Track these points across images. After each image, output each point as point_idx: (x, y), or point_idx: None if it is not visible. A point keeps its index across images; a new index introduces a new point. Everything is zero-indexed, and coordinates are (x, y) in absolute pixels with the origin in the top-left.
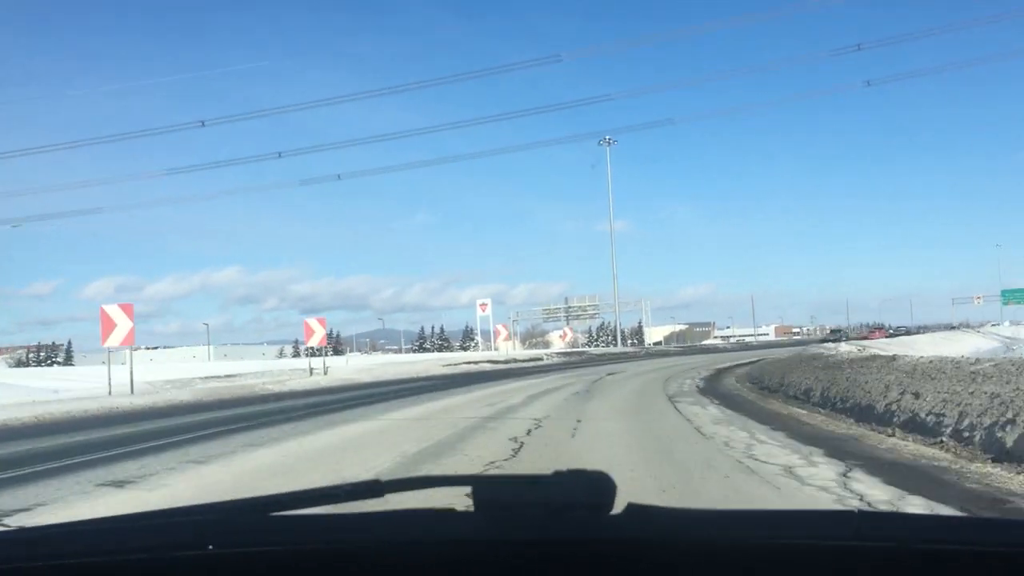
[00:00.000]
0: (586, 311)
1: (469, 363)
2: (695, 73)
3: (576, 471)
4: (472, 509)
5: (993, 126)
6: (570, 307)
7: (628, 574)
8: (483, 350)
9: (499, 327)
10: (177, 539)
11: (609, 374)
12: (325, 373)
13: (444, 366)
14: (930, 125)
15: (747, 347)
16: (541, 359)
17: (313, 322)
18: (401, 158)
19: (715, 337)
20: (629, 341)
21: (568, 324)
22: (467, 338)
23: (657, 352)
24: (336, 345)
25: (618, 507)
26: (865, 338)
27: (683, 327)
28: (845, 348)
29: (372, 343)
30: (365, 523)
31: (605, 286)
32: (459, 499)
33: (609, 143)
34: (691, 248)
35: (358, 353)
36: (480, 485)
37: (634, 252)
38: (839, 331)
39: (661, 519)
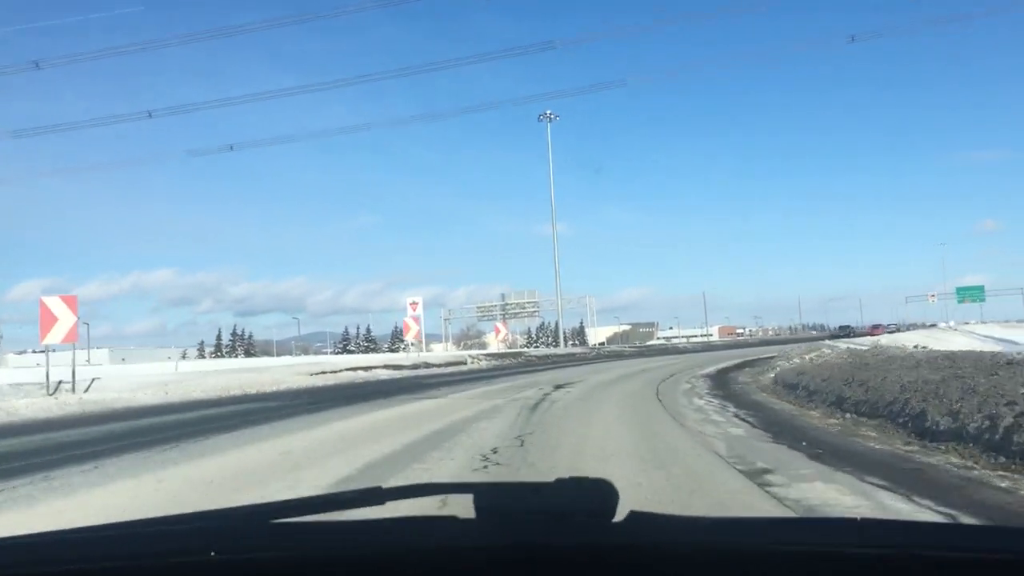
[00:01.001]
0: (524, 309)
1: (356, 369)
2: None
3: (578, 478)
4: (474, 516)
5: (932, 128)
6: (507, 304)
7: None
8: (414, 352)
9: (408, 321)
10: (179, 545)
11: (558, 387)
12: (78, 391)
13: (313, 375)
14: (872, 126)
15: (710, 347)
16: (464, 363)
17: (55, 302)
18: (341, 157)
19: (658, 338)
20: (571, 342)
21: (504, 323)
22: (395, 339)
23: (609, 354)
24: (248, 347)
25: (620, 514)
26: (869, 334)
27: (627, 327)
28: (885, 342)
29: (305, 346)
30: (367, 530)
31: (547, 286)
32: (461, 506)
33: (550, 119)
34: (631, 251)
35: (227, 359)
36: (482, 492)
37: (575, 255)
38: (848, 327)
39: (663, 526)
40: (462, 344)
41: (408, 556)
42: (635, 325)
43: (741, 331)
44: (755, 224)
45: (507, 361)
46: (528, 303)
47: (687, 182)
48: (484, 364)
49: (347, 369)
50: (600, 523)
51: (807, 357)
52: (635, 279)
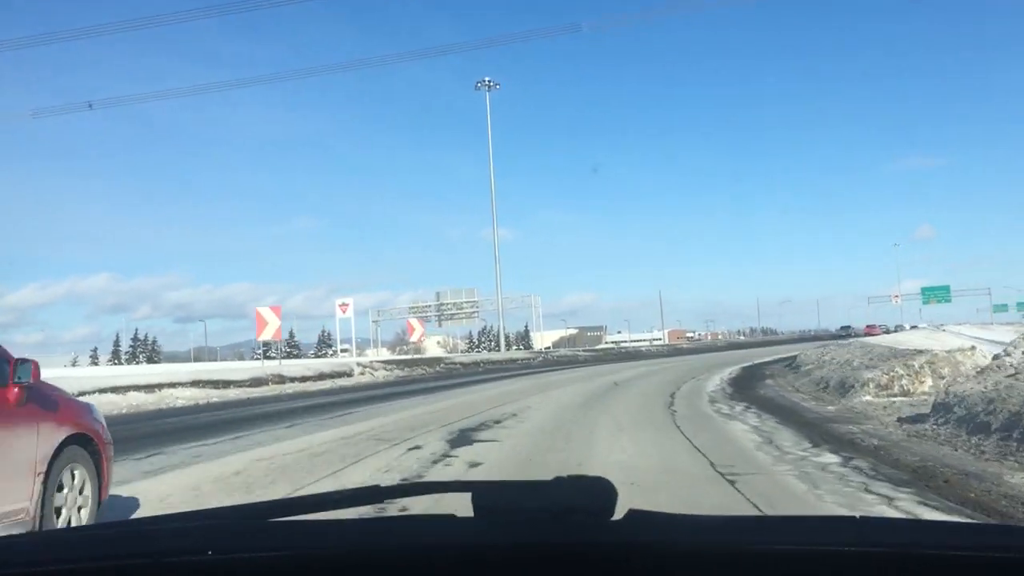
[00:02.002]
0: (462, 310)
1: (122, 390)
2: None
3: (577, 476)
4: (472, 514)
5: (875, 134)
6: (443, 304)
7: None
8: (347, 356)
9: (262, 312)
10: (177, 545)
11: (464, 439)
12: None
13: None
14: (815, 131)
15: (677, 351)
16: (350, 373)
17: (267, 312)
18: (284, 159)
19: (607, 342)
20: (515, 346)
21: (440, 325)
22: (322, 345)
23: (559, 359)
24: (152, 354)
25: (619, 512)
26: (868, 334)
27: (574, 331)
28: (919, 340)
29: (241, 352)
30: (365, 529)
31: (492, 287)
32: (459, 505)
33: (489, 87)
34: (579, 254)
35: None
36: (480, 491)
37: (521, 259)
38: (848, 327)
39: (662, 525)
40: (397, 349)
41: (406, 555)
42: (583, 329)
43: (692, 335)
44: (705, 228)
45: (417, 371)
46: (466, 303)
47: (636, 185)
48: (380, 376)
49: (111, 389)
50: (599, 522)
51: (945, 371)
52: (583, 283)
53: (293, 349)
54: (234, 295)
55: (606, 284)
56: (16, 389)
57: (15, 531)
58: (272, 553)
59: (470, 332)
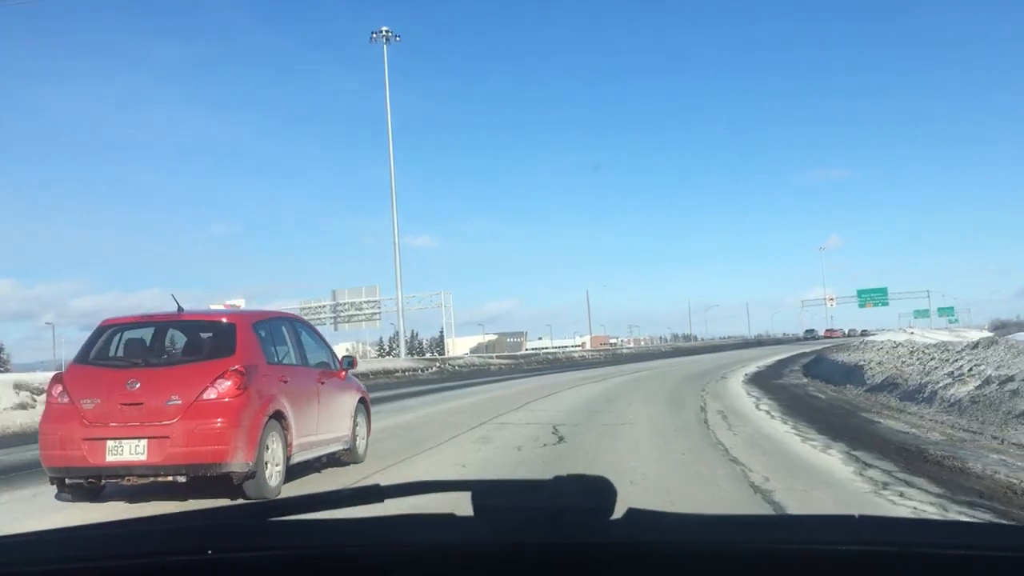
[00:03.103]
0: (362, 311)
1: None
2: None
3: (576, 476)
4: (472, 514)
5: (794, 145)
6: (339, 305)
7: None
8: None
9: None
10: (177, 544)
11: None
12: None
13: None
14: (743, 143)
15: (617, 358)
16: None
17: None
18: (197, 163)
19: (527, 348)
20: (429, 352)
21: (336, 329)
22: None
23: (460, 373)
24: None
25: (618, 512)
26: (828, 337)
27: (492, 337)
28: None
29: None
30: (364, 527)
31: (408, 289)
32: (459, 504)
33: (387, 38)
34: (502, 261)
35: None
36: (480, 490)
37: (443, 267)
38: (812, 331)
39: (662, 524)
40: None
41: (406, 554)
42: (502, 335)
43: (615, 341)
44: (630, 234)
45: None
46: (366, 303)
47: (559, 192)
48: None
49: None
50: (598, 521)
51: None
52: (506, 290)
53: None
54: (143, 302)
55: (530, 291)
56: (343, 372)
57: (340, 449)
58: (272, 552)
59: (380, 338)
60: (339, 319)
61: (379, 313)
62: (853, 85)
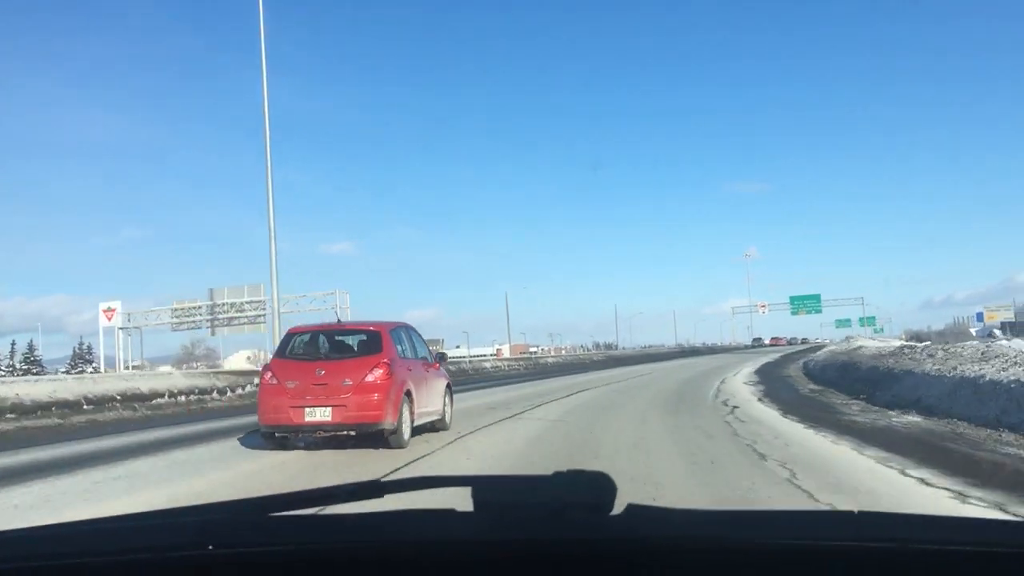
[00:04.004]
0: (244, 312)
1: None
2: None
3: (576, 471)
4: (472, 510)
5: (715, 158)
6: (217, 306)
7: (628, 574)
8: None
9: None
10: (177, 539)
11: None
12: None
13: None
14: (665, 153)
15: (540, 369)
16: None
17: None
18: (109, 165)
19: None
20: None
21: (214, 333)
22: (78, 359)
23: None
24: None
25: (618, 507)
26: (774, 345)
27: None
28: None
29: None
30: (365, 523)
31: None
32: (459, 500)
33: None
34: (423, 269)
35: None
36: (480, 486)
37: (363, 275)
38: (759, 339)
39: (661, 519)
40: (184, 366)
41: (406, 550)
42: None
43: (536, 349)
44: (551, 242)
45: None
46: (249, 304)
47: (483, 201)
48: None
49: None
50: (598, 516)
51: None
52: (428, 299)
53: (32, 366)
54: (48, 308)
55: (453, 299)
56: (437, 364)
57: (436, 419)
58: (273, 548)
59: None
60: (217, 322)
61: (263, 315)
62: (770, 98)
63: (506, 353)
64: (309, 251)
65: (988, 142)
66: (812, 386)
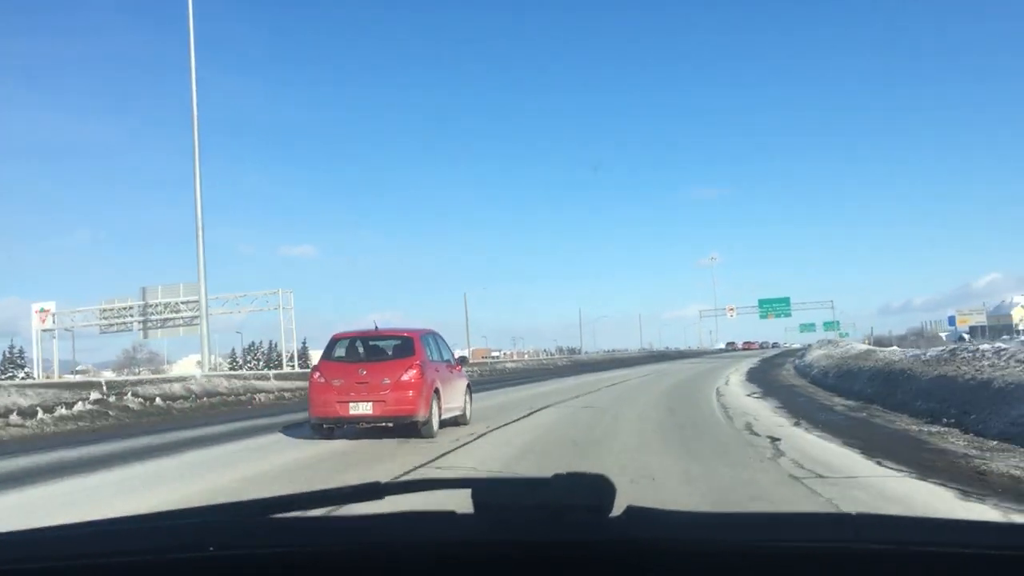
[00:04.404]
0: (179, 313)
1: None
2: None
3: (575, 474)
4: (472, 511)
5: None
6: (150, 306)
7: None
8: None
9: None
10: (178, 541)
11: None
12: None
13: None
14: (627, 160)
15: (497, 377)
16: None
17: None
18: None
19: None
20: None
21: (147, 336)
22: (9, 364)
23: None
24: None
25: (617, 509)
26: (747, 348)
27: None
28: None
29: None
30: (365, 525)
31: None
32: (459, 501)
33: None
34: (387, 273)
35: None
36: (480, 487)
37: (325, 279)
38: (732, 343)
39: (660, 521)
40: (124, 371)
41: (406, 552)
42: None
43: (497, 353)
44: (515, 246)
45: None
46: (186, 304)
47: (446, 204)
48: None
49: None
50: (598, 518)
51: None
52: (390, 302)
53: None
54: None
55: (416, 303)
56: (459, 367)
57: (458, 414)
58: (273, 549)
59: (233, 349)
60: (150, 324)
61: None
62: (735, 102)
63: (469, 357)
64: (270, 253)
65: (945, 150)
66: (842, 401)
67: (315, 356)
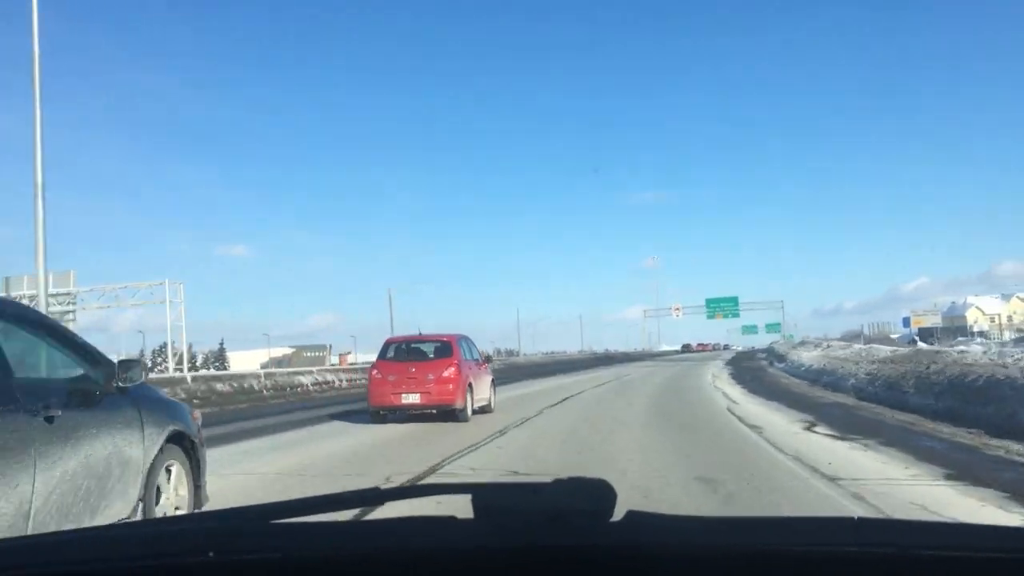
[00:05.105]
0: (49, 308)
1: None
2: None
3: (576, 479)
4: (472, 516)
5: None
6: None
7: None
8: None
9: None
10: (178, 546)
11: None
12: None
13: None
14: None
15: None
16: None
17: None
18: None
19: (331, 363)
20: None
21: None
22: None
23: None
24: None
25: (618, 514)
26: (701, 350)
27: (289, 350)
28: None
29: None
30: (366, 531)
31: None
32: (459, 507)
33: None
34: (320, 275)
35: None
36: (480, 492)
37: (258, 281)
38: (688, 345)
39: (661, 526)
40: None
41: (406, 557)
42: (300, 348)
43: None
44: (450, 248)
45: None
46: (55, 297)
47: (383, 207)
48: None
49: None
50: (598, 523)
51: None
52: (324, 304)
53: None
54: None
55: (351, 306)
56: (485, 365)
57: (484, 405)
58: (273, 555)
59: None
60: None
61: (72, 311)
62: (672, 106)
63: None
64: (205, 253)
65: (875, 159)
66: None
67: (235, 358)
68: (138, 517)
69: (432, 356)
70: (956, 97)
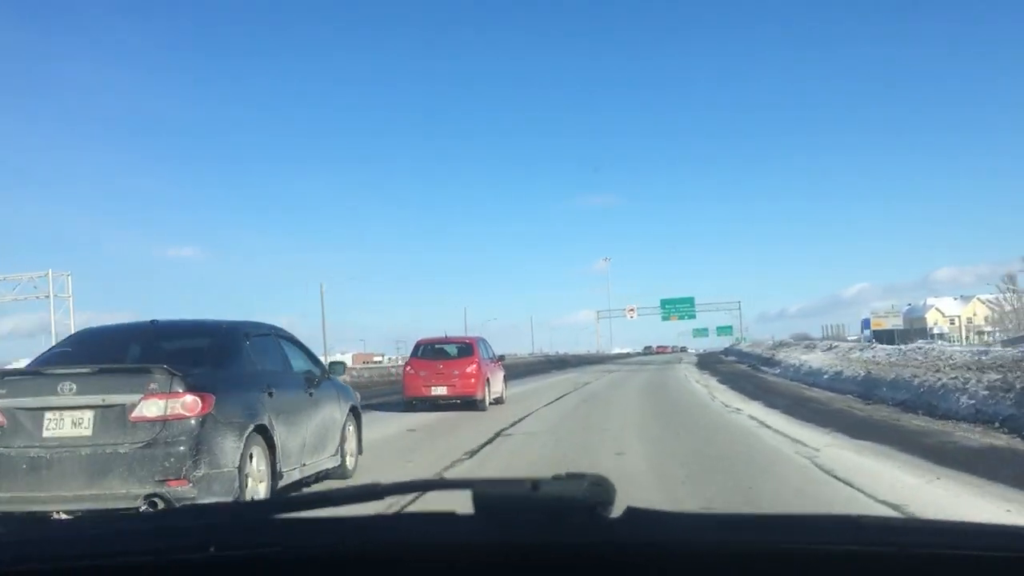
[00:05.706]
0: None
1: None
2: None
3: (576, 475)
4: (472, 512)
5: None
6: None
7: None
8: None
9: None
10: (179, 541)
11: None
12: None
13: None
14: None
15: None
16: None
17: None
18: None
19: None
20: None
21: None
22: None
23: None
24: None
25: (618, 510)
26: (660, 352)
27: None
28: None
29: None
30: (365, 526)
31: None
32: (459, 502)
33: None
34: (278, 275)
35: None
36: (480, 488)
37: (209, 281)
38: (650, 347)
39: (660, 523)
40: None
41: (406, 553)
42: None
43: (379, 358)
44: (401, 249)
45: None
46: None
47: (332, 208)
48: None
49: None
50: (598, 520)
51: None
52: (281, 306)
53: None
54: None
55: (308, 308)
56: (499, 362)
57: (499, 396)
58: (273, 550)
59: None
60: None
61: None
62: (623, 107)
63: (350, 362)
64: (160, 255)
65: (821, 162)
66: None
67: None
68: (338, 456)
69: (456, 355)
70: (892, 108)
